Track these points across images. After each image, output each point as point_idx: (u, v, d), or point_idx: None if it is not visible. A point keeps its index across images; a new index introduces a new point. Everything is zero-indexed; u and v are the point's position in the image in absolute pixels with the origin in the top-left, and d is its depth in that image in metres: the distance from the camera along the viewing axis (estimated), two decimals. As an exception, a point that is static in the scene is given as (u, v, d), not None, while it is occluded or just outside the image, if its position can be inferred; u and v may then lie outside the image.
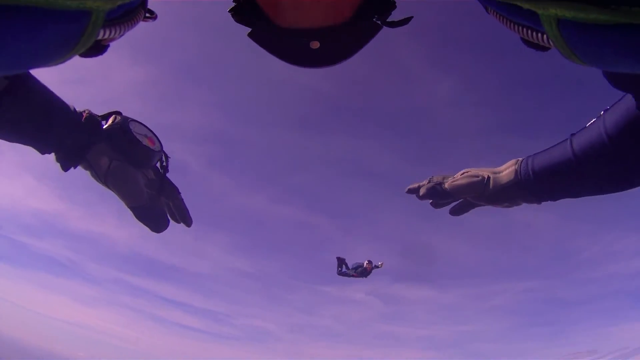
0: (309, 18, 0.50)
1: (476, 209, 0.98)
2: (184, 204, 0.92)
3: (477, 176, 0.91)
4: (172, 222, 0.93)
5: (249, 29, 0.54)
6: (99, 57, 0.45)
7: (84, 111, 0.83)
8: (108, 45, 0.44)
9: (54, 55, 0.37)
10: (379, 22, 0.54)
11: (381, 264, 10.89)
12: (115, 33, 0.41)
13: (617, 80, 0.63)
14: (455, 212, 0.99)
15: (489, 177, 0.90)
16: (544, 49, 0.43)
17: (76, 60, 0.41)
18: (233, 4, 0.52)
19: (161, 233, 0.88)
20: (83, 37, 0.36)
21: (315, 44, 0.52)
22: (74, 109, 0.82)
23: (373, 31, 0.55)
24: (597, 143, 0.74)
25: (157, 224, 0.87)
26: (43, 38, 0.33)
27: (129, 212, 0.86)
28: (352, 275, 10.98)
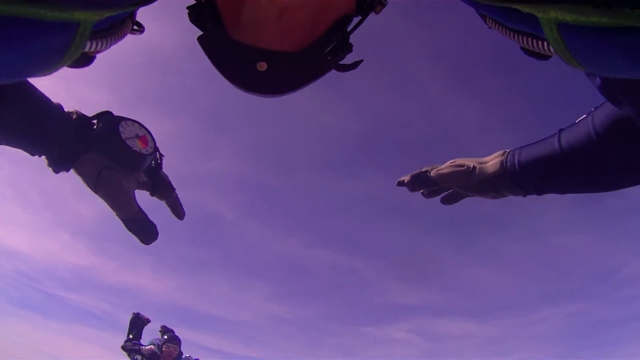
0: (264, 38, 0.48)
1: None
2: (179, 200, 0.92)
3: (463, 166, 0.91)
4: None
5: (201, 32, 0.51)
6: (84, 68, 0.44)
7: (73, 111, 0.82)
8: (94, 57, 0.45)
9: (42, 66, 0.37)
10: (331, 62, 0.52)
11: None
12: (102, 45, 0.41)
13: (613, 92, 0.61)
14: (446, 200, 0.99)
15: (474, 167, 0.90)
16: (544, 57, 0.41)
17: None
18: (194, 1, 0.50)
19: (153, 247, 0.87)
20: (70, 48, 0.36)
21: (262, 66, 0.50)
22: (62, 107, 0.80)
23: (323, 69, 0.53)
24: (584, 139, 0.74)
25: (146, 236, 0.88)
26: (31, 49, 0.33)
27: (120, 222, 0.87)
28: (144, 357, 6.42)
